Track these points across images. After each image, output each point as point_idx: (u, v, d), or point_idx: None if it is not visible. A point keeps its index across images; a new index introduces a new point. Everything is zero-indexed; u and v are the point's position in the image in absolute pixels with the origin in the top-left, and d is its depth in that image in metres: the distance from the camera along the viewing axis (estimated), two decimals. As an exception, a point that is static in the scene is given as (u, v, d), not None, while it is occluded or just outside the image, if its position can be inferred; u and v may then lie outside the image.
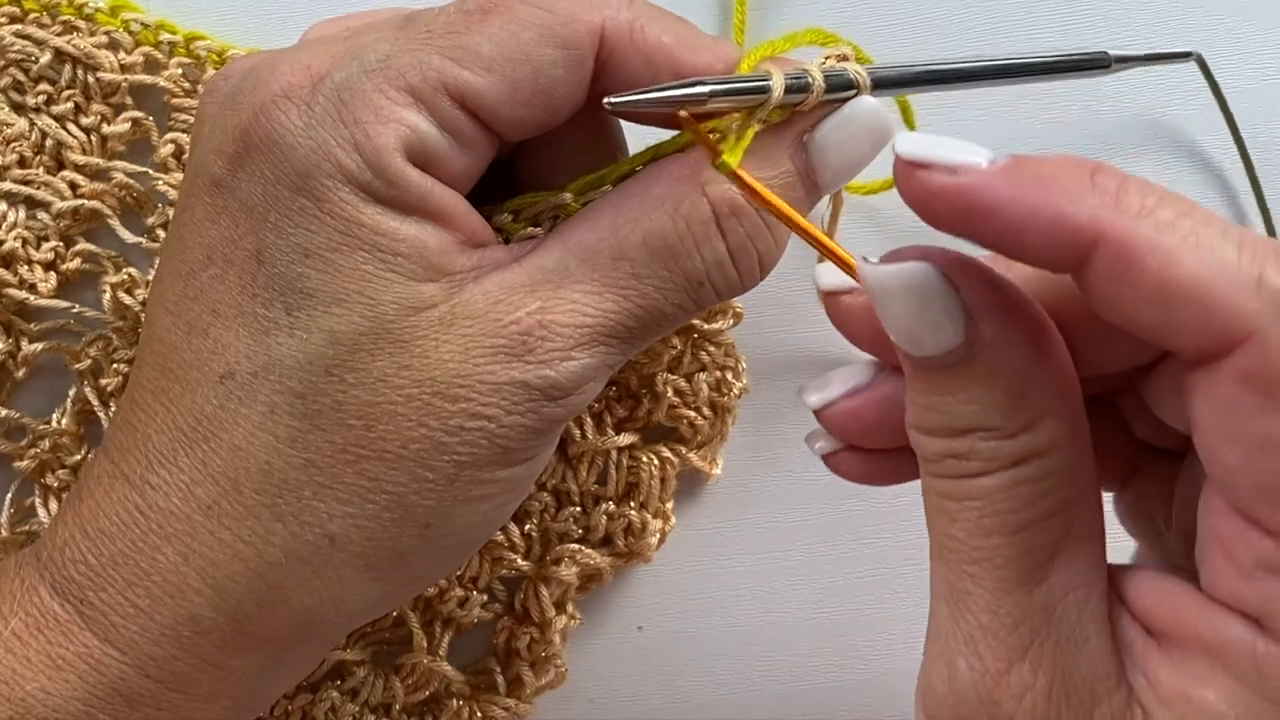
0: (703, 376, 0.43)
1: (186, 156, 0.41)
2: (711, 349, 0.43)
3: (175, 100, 0.42)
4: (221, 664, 0.31)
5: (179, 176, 0.42)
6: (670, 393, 0.42)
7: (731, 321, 0.43)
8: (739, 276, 0.32)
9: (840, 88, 0.32)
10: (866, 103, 0.32)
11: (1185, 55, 0.36)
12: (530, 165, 0.36)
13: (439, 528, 0.31)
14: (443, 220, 0.31)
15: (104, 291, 0.42)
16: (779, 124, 0.32)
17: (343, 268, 0.30)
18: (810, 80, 0.31)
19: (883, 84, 0.32)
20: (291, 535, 0.31)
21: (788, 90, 0.31)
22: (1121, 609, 0.27)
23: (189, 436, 0.31)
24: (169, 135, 0.42)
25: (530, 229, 0.33)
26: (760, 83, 0.31)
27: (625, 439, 0.43)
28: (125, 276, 0.42)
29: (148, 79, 0.42)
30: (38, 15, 0.42)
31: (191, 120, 0.42)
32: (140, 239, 0.42)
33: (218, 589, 0.31)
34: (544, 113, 0.32)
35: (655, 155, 0.33)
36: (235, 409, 0.31)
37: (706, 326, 0.42)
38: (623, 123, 0.36)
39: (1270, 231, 0.38)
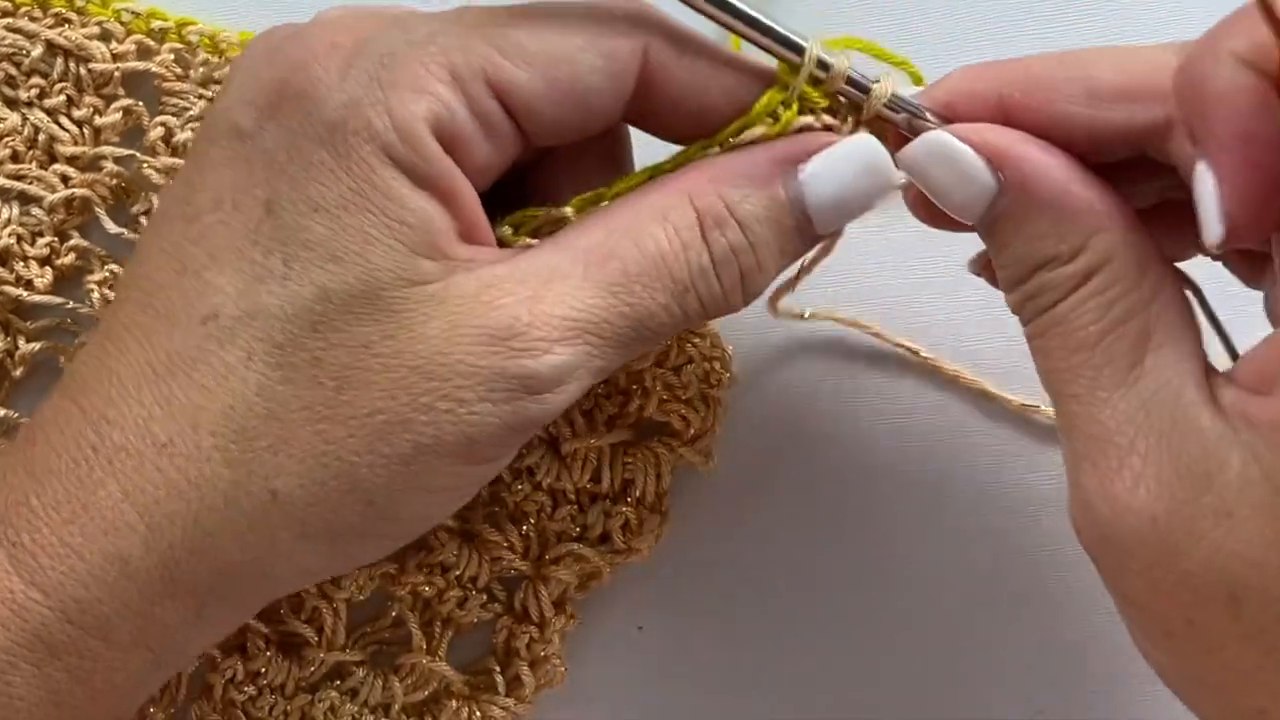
0: (690, 368, 0.43)
1: (207, 106, 0.41)
2: (697, 340, 0.43)
3: (166, 85, 0.42)
4: (144, 611, 0.31)
5: (167, 160, 0.42)
6: (659, 387, 0.42)
7: None
8: (721, 289, 0.33)
9: (858, 88, 0.33)
10: (864, 138, 0.33)
11: None
12: (541, 186, 0.36)
13: (382, 509, 0.31)
14: (452, 204, 0.31)
15: (90, 290, 0.42)
16: (769, 141, 0.33)
17: (348, 226, 0.30)
18: (831, 62, 0.33)
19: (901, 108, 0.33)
20: (235, 483, 0.31)
21: (819, 63, 0.33)
22: (1230, 386, 0.29)
23: (158, 373, 0.31)
24: (158, 119, 0.42)
25: (529, 240, 0.33)
26: (796, 40, 0.33)
27: (618, 436, 0.43)
28: (107, 274, 0.42)
29: (139, 65, 0.42)
30: (29, 9, 0.42)
31: (183, 104, 0.42)
32: (123, 230, 0.42)
33: (153, 528, 0.31)
34: (576, 115, 0.32)
35: (653, 174, 0.34)
36: (212, 350, 0.31)
37: None
38: (634, 149, 0.37)
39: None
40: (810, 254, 0.36)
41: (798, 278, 0.38)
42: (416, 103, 0.30)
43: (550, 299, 0.31)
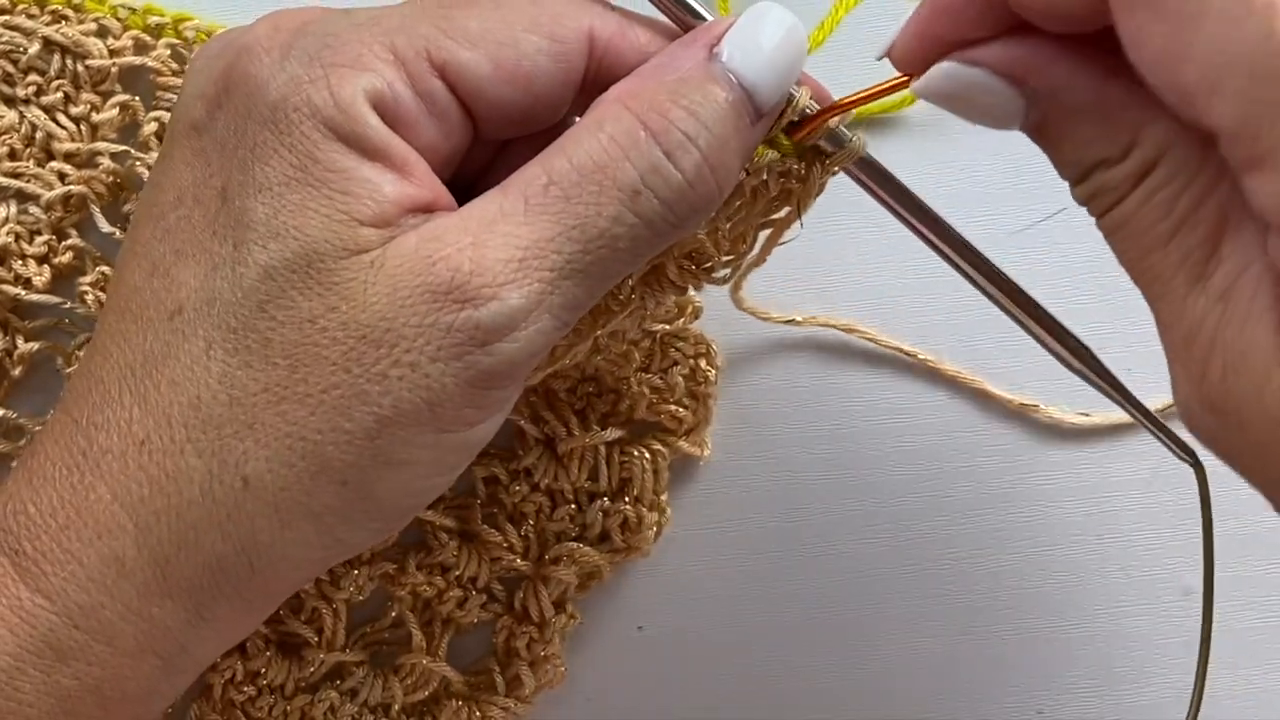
0: (676, 370, 0.43)
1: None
2: (680, 344, 0.43)
3: (162, 79, 0.42)
4: (144, 612, 0.31)
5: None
6: (647, 391, 0.42)
7: (692, 317, 0.42)
8: (684, 178, 0.31)
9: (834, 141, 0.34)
10: (763, 4, 0.33)
11: (1191, 458, 0.36)
12: None
13: (357, 488, 0.31)
14: (404, 173, 0.31)
15: (84, 292, 0.41)
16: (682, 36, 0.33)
17: (289, 202, 0.30)
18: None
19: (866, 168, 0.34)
20: (209, 473, 0.31)
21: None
22: None
23: (135, 374, 0.31)
24: (152, 114, 0.42)
25: None
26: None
27: (612, 434, 0.42)
28: (99, 275, 0.42)
29: (136, 60, 0.42)
30: (26, 6, 0.42)
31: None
32: (115, 229, 0.41)
33: (141, 526, 0.31)
34: (523, 98, 0.32)
35: None
36: (179, 344, 0.31)
37: (669, 327, 0.42)
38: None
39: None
40: (762, 244, 0.36)
41: (760, 259, 0.38)
42: (356, 78, 0.30)
43: (493, 242, 0.30)
